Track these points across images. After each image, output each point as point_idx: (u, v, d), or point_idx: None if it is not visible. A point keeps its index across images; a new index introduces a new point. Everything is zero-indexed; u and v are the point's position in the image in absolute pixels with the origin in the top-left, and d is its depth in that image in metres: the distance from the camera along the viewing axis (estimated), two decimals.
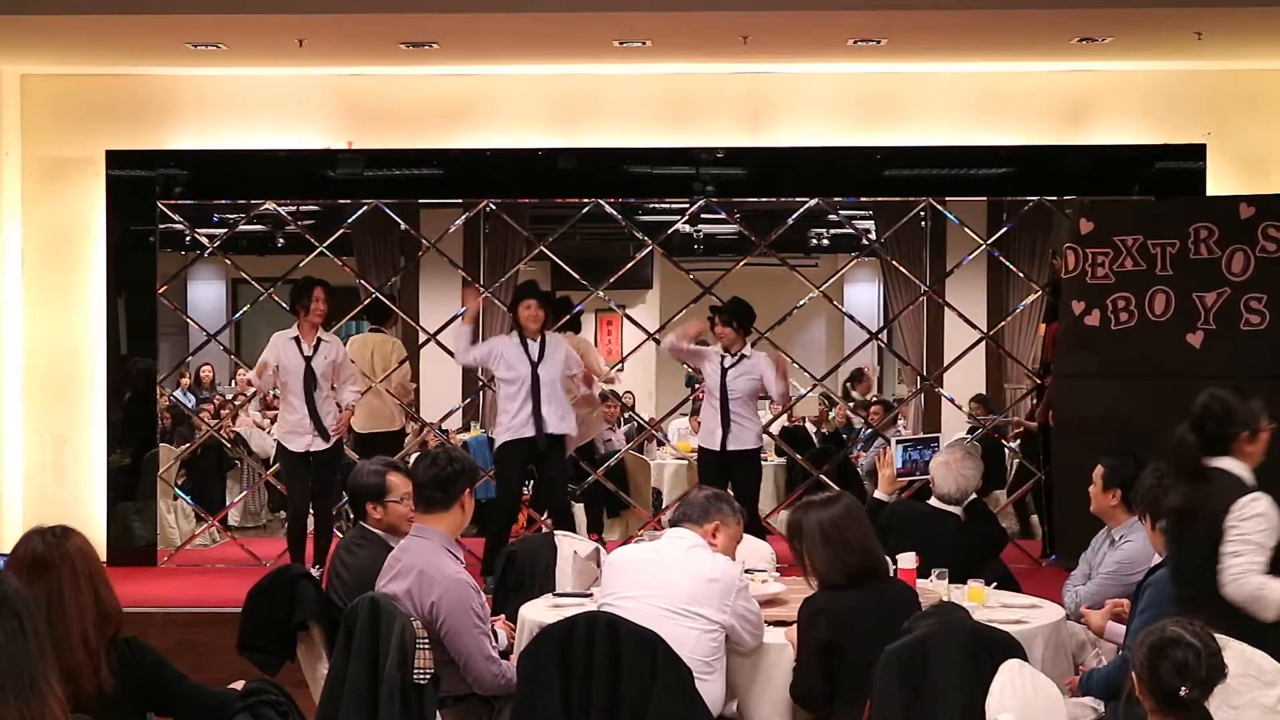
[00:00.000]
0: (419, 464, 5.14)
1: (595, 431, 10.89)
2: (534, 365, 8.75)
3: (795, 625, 4.83)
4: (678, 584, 4.83)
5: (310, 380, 8.88)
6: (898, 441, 6.93)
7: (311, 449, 8.85)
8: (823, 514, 4.79)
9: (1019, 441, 11.88)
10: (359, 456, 10.52)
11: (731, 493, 9.08)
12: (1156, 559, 5.44)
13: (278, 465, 9.74)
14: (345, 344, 9.53)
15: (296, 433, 8.86)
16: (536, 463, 8.84)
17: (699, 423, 13.12)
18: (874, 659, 4.26)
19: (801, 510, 4.87)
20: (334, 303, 9.43)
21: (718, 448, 9.00)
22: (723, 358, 9.11)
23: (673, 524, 5.12)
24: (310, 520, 9.03)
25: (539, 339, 8.82)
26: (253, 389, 11.02)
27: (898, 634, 4.31)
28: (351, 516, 6.27)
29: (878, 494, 6.83)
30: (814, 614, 4.70)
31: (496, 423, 8.97)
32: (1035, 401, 11.11)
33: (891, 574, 5.09)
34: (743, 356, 9.08)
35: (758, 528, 9.20)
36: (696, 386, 13.42)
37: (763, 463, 11.78)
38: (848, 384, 14.63)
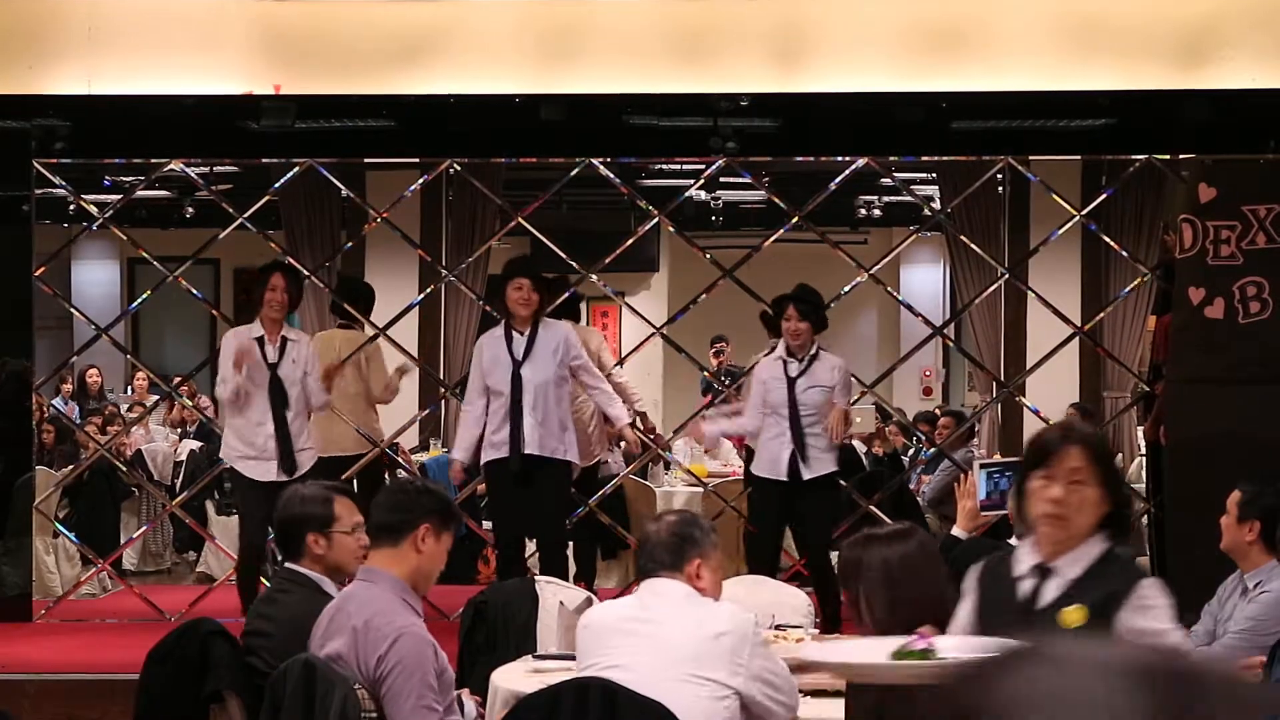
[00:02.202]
0: (382, 491, 5.18)
1: (599, 450, 10.84)
2: (516, 364, 8.73)
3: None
4: (677, 643, 4.81)
5: (278, 392, 8.85)
6: (981, 465, 6.93)
7: (280, 478, 8.80)
8: (889, 550, 4.76)
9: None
10: None
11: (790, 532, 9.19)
12: None
13: (232, 496, 9.68)
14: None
15: (258, 459, 8.84)
16: (524, 490, 8.82)
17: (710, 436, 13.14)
18: None
19: (861, 545, 4.84)
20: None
21: (785, 476, 8.98)
22: (786, 363, 9.05)
23: (642, 576, 5.07)
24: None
25: (528, 330, 8.80)
26: (215, 402, 10.88)
27: None
28: (279, 558, 6.26)
29: (955, 530, 6.83)
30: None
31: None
32: (1143, 413, 11.10)
33: None
34: (813, 359, 9.05)
35: (827, 573, 9.12)
36: (716, 393, 13.41)
37: None
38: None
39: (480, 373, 8.85)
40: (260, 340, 8.87)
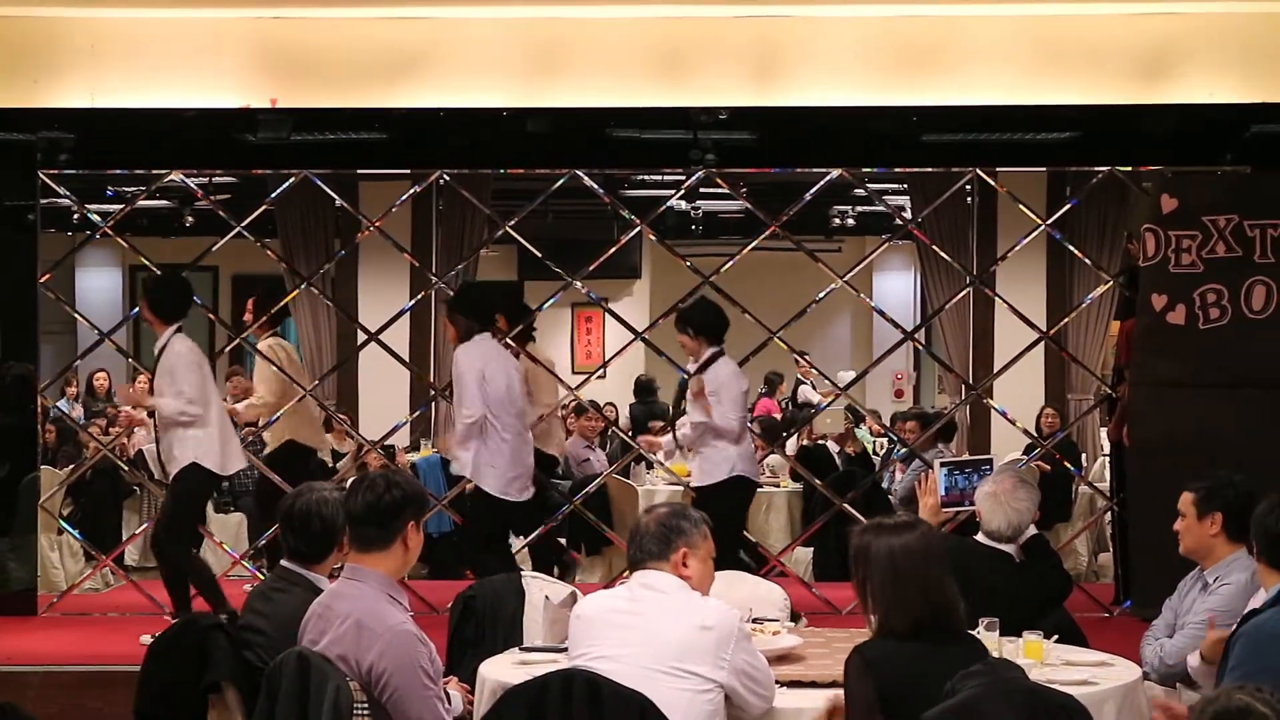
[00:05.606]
0: (352, 493, 5.11)
1: (556, 439, 10.90)
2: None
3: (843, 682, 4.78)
4: (665, 636, 4.82)
5: None
6: (941, 464, 6.95)
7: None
8: (895, 540, 4.74)
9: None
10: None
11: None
12: (1256, 603, 5.44)
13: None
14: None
15: (237, 455, 8.89)
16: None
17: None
18: None
19: (871, 532, 4.82)
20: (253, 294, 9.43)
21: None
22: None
23: (632, 566, 5.10)
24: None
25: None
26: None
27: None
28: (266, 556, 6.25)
29: None
30: (866, 666, 4.64)
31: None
32: (1106, 415, 11.13)
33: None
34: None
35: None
36: None
37: (769, 490, 11.88)
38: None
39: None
40: None
